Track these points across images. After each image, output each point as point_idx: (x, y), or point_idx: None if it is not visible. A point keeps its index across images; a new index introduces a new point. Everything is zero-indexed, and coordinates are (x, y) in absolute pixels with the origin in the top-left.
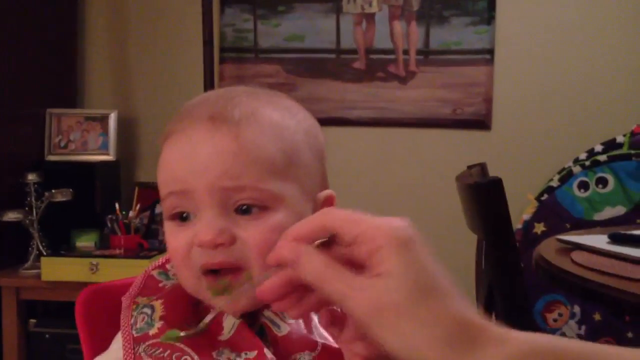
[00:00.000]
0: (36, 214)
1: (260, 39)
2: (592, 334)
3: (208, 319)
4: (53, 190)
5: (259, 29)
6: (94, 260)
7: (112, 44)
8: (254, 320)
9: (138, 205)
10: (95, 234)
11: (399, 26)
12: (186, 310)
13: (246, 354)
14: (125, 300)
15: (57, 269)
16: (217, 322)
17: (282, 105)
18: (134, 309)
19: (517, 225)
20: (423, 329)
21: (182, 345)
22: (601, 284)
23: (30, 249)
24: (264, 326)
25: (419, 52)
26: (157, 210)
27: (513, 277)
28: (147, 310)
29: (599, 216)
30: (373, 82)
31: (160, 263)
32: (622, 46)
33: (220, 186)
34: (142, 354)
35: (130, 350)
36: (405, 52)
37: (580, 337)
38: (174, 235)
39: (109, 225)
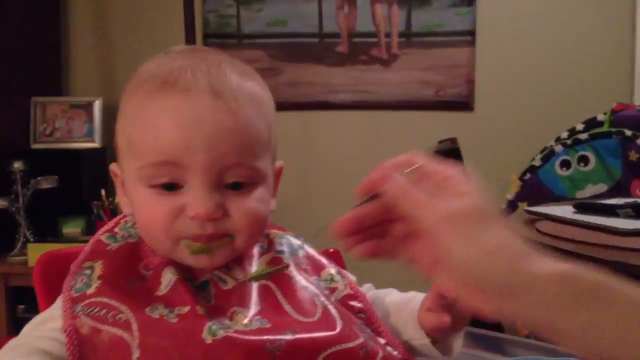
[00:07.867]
0: (22, 201)
1: (243, 24)
2: None
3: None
4: (38, 178)
5: (241, 15)
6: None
7: (95, 32)
8: (194, 276)
9: None
10: (82, 221)
11: (380, 9)
12: (125, 268)
13: (179, 309)
14: (72, 267)
15: None
16: (156, 277)
17: (251, 74)
18: (78, 273)
19: (501, 205)
20: (486, 234)
21: (117, 304)
22: (561, 249)
23: (17, 236)
24: (208, 281)
25: (401, 35)
26: None
27: None
28: (87, 272)
29: (581, 194)
30: (356, 65)
31: (109, 227)
32: (602, 26)
33: (220, 164)
34: (80, 313)
35: (69, 311)
36: (388, 35)
37: None
38: (156, 204)
39: (95, 211)
